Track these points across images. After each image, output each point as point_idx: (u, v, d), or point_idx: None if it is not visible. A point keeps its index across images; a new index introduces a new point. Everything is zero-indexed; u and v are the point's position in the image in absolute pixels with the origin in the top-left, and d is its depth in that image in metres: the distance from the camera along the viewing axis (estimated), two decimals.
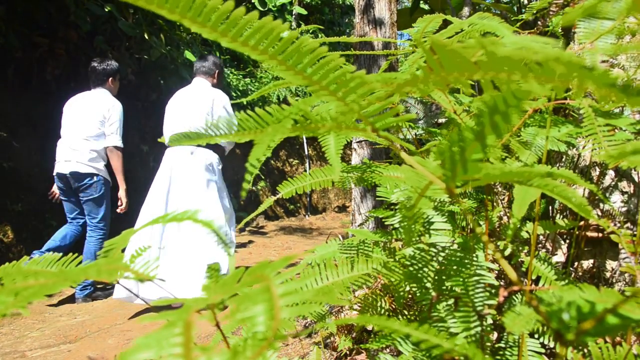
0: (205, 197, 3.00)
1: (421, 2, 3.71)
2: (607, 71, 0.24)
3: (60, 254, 0.55)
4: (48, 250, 3.20)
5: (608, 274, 1.19)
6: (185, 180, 3.02)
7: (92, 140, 3.29)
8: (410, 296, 1.04)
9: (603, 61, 1.14)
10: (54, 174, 3.37)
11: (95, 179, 3.31)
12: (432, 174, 0.43)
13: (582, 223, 1.16)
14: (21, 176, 4.65)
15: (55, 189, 3.52)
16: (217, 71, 3.29)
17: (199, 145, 2.96)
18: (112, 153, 3.34)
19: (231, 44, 0.38)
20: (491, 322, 0.78)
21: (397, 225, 1.05)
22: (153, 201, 3.08)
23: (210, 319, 0.35)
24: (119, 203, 3.53)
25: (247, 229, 7.59)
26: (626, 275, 1.17)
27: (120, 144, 3.38)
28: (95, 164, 3.31)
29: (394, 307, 1.06)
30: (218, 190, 3.09)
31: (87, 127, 3.28)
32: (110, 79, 3.45)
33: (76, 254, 0.55)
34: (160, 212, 2.95)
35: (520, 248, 0.98)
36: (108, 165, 3.46)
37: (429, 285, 0.84)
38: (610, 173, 1.22)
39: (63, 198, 3.45)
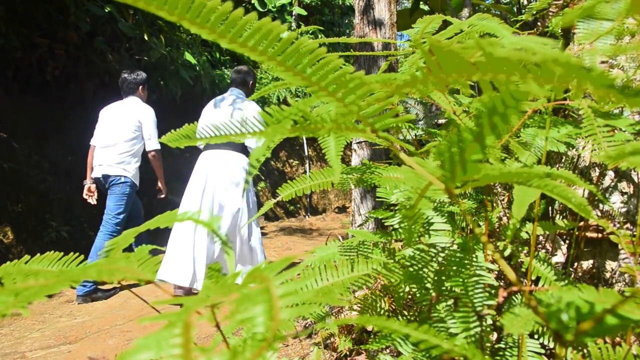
0: (236, 194, 3.28)
1: (421, 3, 3.71)
2: (605, 72, 0.24)
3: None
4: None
5: (608, 275, 1.19)
6: (222, 179, 3.25)
7: (125, 144, 3.54)
8: (410, 297, 1.04)
9: (602, 62, 1.14)
10: (93, 177, 3.61)
11: (122, 179, 3.54)
12: (432, 175, 0.43)
13: (581, 224, 1.16)
14: (21, 177, 4.65)
15: (86, 191, 3.69)
16: (251, 82, 3.59)
17: (234, 149, 3.29)
18: (153, 157, 3.64)
19: (230, 45, 0.38)
20: (491, 322, 0.78)
21: (396, 226, 1.05)
22: (189, 198, 3.29)
23: (210, 319, 0.35)
24: (160, 192, 3.93)
25: None
26: (626, 275, 1.17)
27: (158, 146, 3.64)
28: (125, 166, 3.55)
29: (393, 307, 1.06)
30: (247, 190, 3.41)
31: (122, 133, 3.54)
32: (140, 87, 3.74)
33: (77, 254, 0.55)
34: (195, 207, 3.15)
35: (520, 248, 0.98)
36: (140, 167, 3.72)
37: (428, 285, 0.84)
38: (610, 174, 1.22)
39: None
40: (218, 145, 3.27)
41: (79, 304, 3.33)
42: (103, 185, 3.56)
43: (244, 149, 3.32)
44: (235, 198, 3.26)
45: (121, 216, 3.54)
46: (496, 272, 1.08)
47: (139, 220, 3.74)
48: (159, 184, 3.89)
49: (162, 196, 3.95)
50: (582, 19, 0.76)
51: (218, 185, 3.23)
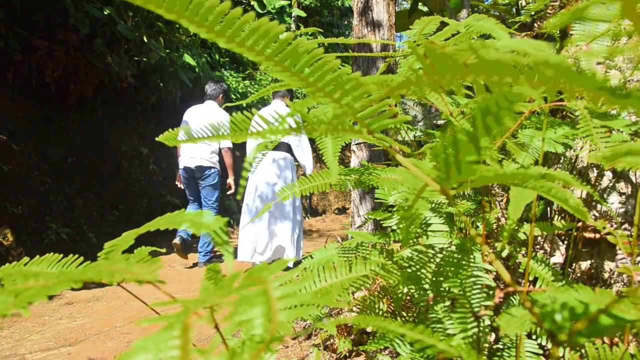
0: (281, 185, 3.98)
1: (420, 3, 3.72)
2: (594, 74, 0.24)
3: None
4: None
5: (606, 275, 1.19)
6: (270, 173, 3.95)
7: (212, 143, 4.33)
8: (408, 298, 1.04)
9: (599, 63, 1.15)
10: (181, 167, 4.36)
11: (212, 170, 4.35)
12: (427, 176, 0.43)
13: (579, 224, 1.16)
14: (21, 179, 4.65)
15: (177, 179, 4.56)
16: (289, 96, 4.12)
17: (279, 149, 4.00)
18: (226, 153, 4.38)
19: (228, 45, 0.39)
20: (489, 323, 0.79)
21: (395, 227, 1.05)
22: (246, 194, 4.05)
23: (209, 321, 0.35)
24: (228, 187, 4.55)
25: None
26: (624, 276, 1.17)
27: (230, 144, 4.43)
28: (212, 159, 4.37)
29: (392, 308, 1.06)
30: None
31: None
32: (221, 95, 4.50)
33: (77, 255, 0.56)
34: (250, 199, 4.03)
35: (518, 249, 0.98)
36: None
37: (426, 286, 0.84)
38: (608, 174, 1.22)
39: (185, 185, 4.44)
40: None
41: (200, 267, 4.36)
42: (193, 173, 4.31)
43: (289, 149, 4.00)
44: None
45: (216, 197, 4.42)
46: (494, 273, 1.08)
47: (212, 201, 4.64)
48: (229, 180, 4.47)
49: (231, 191, 4.53)
50: (577, 21, 0.76)
51: (268, 178, 3.91)
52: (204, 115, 4.36)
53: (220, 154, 4.48)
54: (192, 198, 4.52)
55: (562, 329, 0.36)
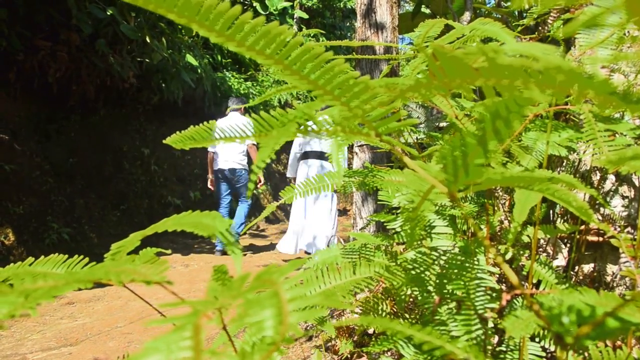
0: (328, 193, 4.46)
1: (423, 6, 3.72)
2: (607, 80, 0.24)
3: None
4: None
5: (609, 278, 1.19)
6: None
7: (242, 146, 5.26)
8: (411, 300, 1.04)
9: (603, 67, 1.15)
10: (216, 168, 5.18)
11: (243, 172, 5.20)
12: (435, 178, 0.44)
13: (582, 227, 1.16)
14: (23, 178, 4.66)
15: (210, 183, 5.38)
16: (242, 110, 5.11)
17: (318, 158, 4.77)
18: (251, 148, 5.21)
19: (238, 48, 0.39)
20: (492, 325, 0.79)
21: (398, 229, 1.05)
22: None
23: (218, 322, 0.36)
24: (258, 181, 5.69)
25: (248, 232, 7.59)
26: (627, 279, 1.17)
27: (255, 141, 5.20)
28: (242, 161, 5.23)
29: (395, 310, 1.06)
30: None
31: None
32: (242, 109, 5.31)
33: (82, 256, 0.56)
34: (302, 202, 4.84)
35: (521, 252, 0.98)
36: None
37: (430, 288, 0.84)
38: (611, 177, 1.22)
39: (218, 183, 5.25)
40: (309, 154, 4.82)
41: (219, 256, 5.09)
42: (227, 174, 5.13)
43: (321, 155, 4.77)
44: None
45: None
46: (497, 276, 1.08)
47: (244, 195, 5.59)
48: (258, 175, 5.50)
49: (261, 184, 5.52)
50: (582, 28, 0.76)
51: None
52: (230, 124, 5.27)
53: (247, 154, 5.38)
54: (225, 194, 5.35)
55: (569, 332, 0.36)
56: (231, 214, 5.58)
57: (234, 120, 4.93)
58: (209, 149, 5.31)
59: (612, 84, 0.24)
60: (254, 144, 5.17)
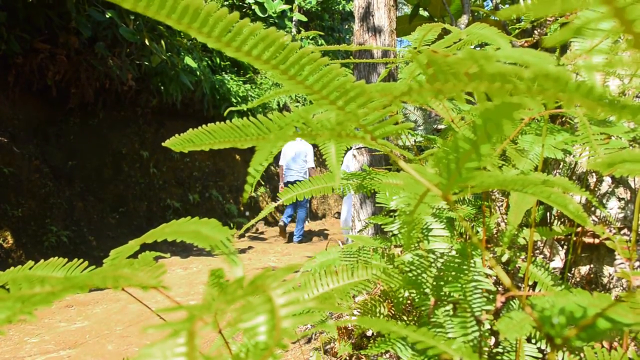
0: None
1: (420, 9, 3.73)
2: (593, 87, 0.25)
3: None
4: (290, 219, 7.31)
5: (605, 280, 1.20)
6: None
7: (305, 164, 6.71)
8: (409, 302, 1.05)
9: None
10: (285, 181, 6.60)
11: None
12: (429, 182, 0.44)
13: (579, 229, 1.17)
14: (21, 181, 4.66)
15: (282, 187, 6.68)
16: None
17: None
18: (312, 170, 6.70)
19: (236, 54, 0.39)
20: (489, 327, 0.79)
21: (396, 232, 1.06)
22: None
23: (214, 326, 0.36)
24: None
25: (247, 234, 7.59)
26: (623, 280, 1.17)
27: (313, 165, 6.84)
28: (305, 175, 6.61)
29: (393, 312, 1.07)
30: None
31: (303, 157, 6.77)
32: None
33: (82, 260, 0.56)
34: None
35: (518, 254, 0.99)
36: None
37: (427, 291, 0.85)
38: (607, 180, 1.23)
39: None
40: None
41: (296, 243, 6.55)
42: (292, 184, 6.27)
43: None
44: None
45: (305, 201, 6.75)
46: (494, 278, 1.09)
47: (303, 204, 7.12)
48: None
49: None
50: (576, 35, 0.76)
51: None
52: (295, 146, 6.85)
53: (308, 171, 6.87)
54: (289, 204, 6.45)
55: (560, 333, 0.36)
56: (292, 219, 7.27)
57: (299, 143, 6.72)
58: (281, 163, 6.82)
59: (599, 92, 0.24)
60: (313, 168, 6.74)
